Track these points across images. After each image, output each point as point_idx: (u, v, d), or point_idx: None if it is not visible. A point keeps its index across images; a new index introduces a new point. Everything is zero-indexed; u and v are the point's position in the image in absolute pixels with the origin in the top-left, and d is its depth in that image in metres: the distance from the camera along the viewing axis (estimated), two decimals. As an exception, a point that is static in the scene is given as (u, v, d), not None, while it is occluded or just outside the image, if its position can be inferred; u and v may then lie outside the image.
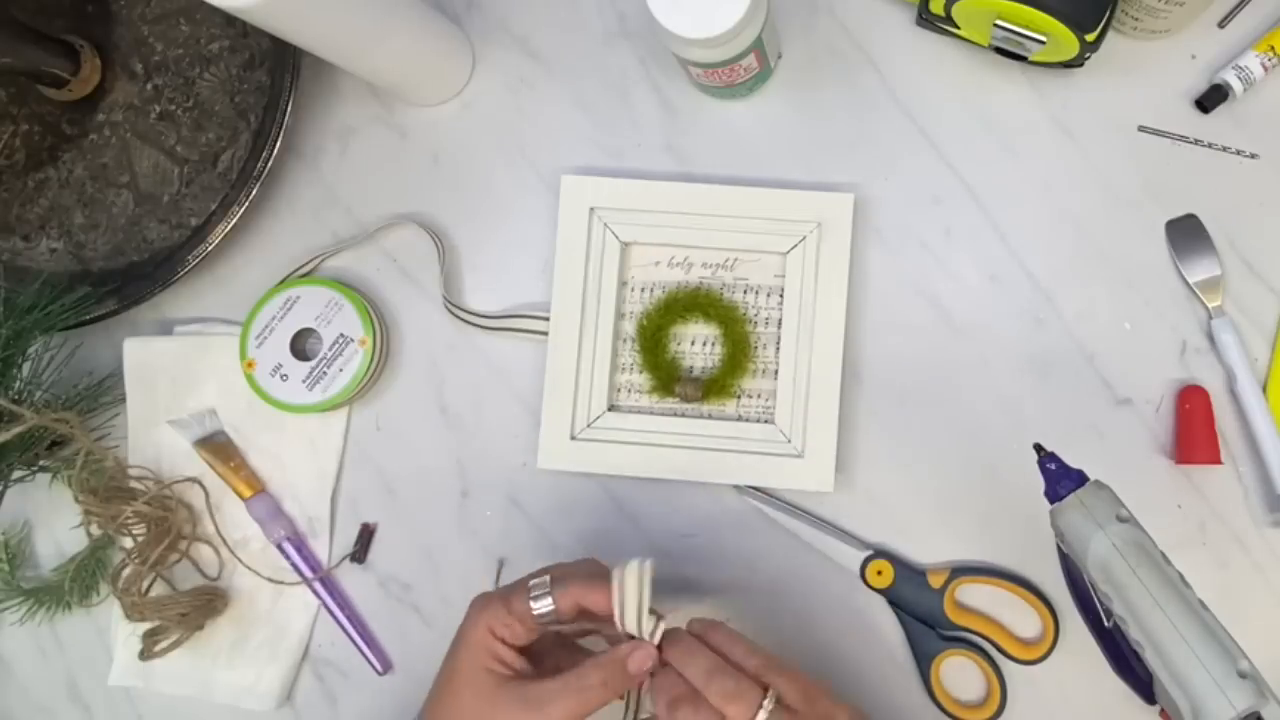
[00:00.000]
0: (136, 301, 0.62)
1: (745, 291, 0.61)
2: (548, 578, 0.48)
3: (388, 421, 0.64)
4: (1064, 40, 0.52)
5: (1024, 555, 0.58)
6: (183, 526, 0.63)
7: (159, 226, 0.66)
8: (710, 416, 0.61)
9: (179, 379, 0.65)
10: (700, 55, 0.54)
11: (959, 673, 0.58)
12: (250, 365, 0.62)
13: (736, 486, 0.60)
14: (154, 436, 0.65)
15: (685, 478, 0.60)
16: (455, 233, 0.64)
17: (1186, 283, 0.58)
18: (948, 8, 0.54)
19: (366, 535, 0.63)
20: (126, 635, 0.64)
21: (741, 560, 0.60)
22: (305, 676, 0.63)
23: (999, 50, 0.56)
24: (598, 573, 0.48)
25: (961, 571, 0.57)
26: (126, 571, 0.61)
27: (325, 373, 0.62)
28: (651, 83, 0.63)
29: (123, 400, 0.65)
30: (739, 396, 0.60)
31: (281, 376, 0.62)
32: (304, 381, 0.62)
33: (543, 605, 0.47)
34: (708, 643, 0.46)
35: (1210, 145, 0.58)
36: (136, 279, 0.63)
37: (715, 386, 0.60)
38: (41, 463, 0.62)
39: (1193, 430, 0.56)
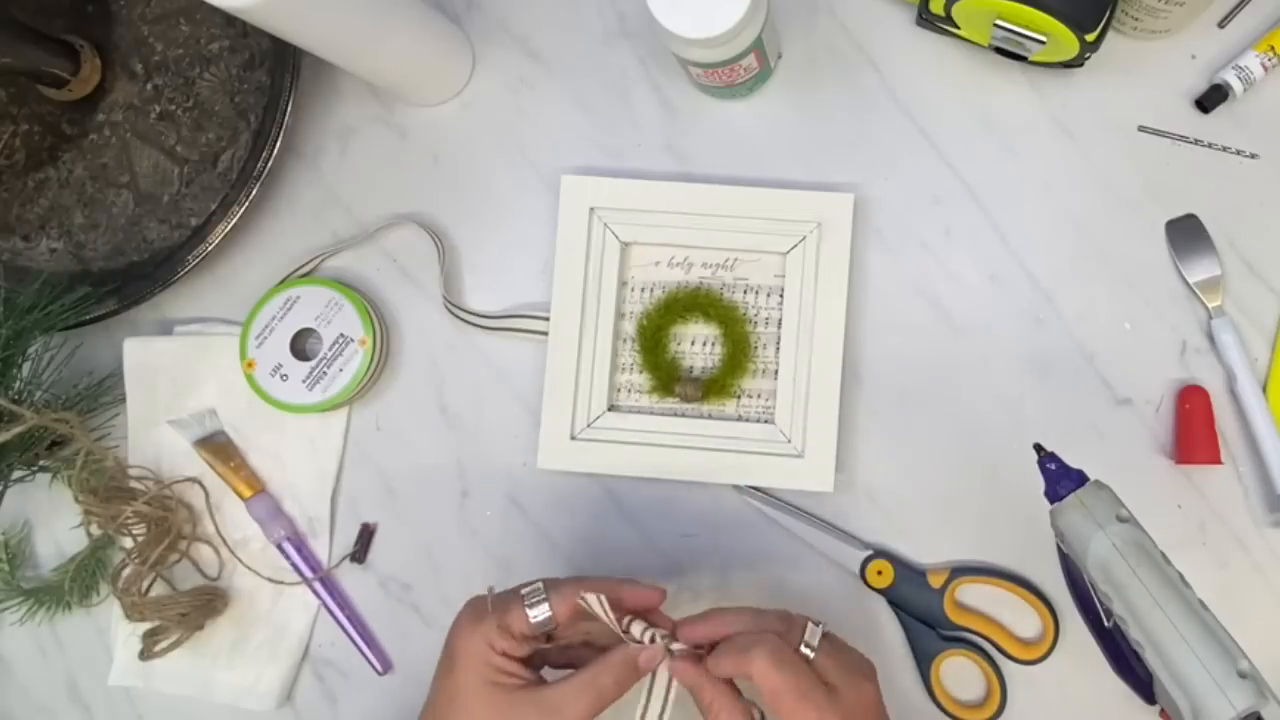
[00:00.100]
0: (136, 301, 0.62)
1: (745, 291, 0.61)
2: (540, 583, 0.48)
3: (388, 421, 0.64)
4: (1064, 40, 0.52)
5: (1024, 555, 0.58)
6: (183, 526, 0.63)
7: (159, 226, 0.66)
8: (710, 416, 0.61)
9: (179, 379, 0.65)
10: (700, 55, 0.54)
11: (959, 673, 0.58)
12: (250, 365, 0.63)
13: (736, 486, 0.60)
14: (154, 436, 0.65)
15: (685, 478, 0.60)
16: (455, 233, 0.64)
17: (1186, 283, 0.58)
18: (948, 8, 0.54)
19: (366, 535, 0.63)
20: (126, 635, 0.64)
21: (741, 560, 0.60)
22: (305, 676, 0.63)
23: (999, 50, 0.56)
24: (593, 580, 0.48)
25: (961, 571, 0.57)
26: (126, 571, 0.61)
27: (325, 373, 0.62)
28: (651, 83, 0.63)
29: (123, 400, 0.65)
30: (739, 396, 0.60)
31: (281, 376, 0.62)
32: (304, 381, 0.62)
33: (539, 612, 0.47)
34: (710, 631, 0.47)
35: (1210, 145, 0.58)
36: (136, 279, 0.63)
37: (715, 386, 0.60)
38: (41, 463, 0.62)
39: (1193, 430, 0.56)
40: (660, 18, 0.51)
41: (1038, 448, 0.47)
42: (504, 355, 0.63)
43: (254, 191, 0.60)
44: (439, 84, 0.63)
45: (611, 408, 0.61)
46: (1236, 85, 0.56)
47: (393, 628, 0.63)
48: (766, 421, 0.60)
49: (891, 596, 0.58)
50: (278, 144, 0.60)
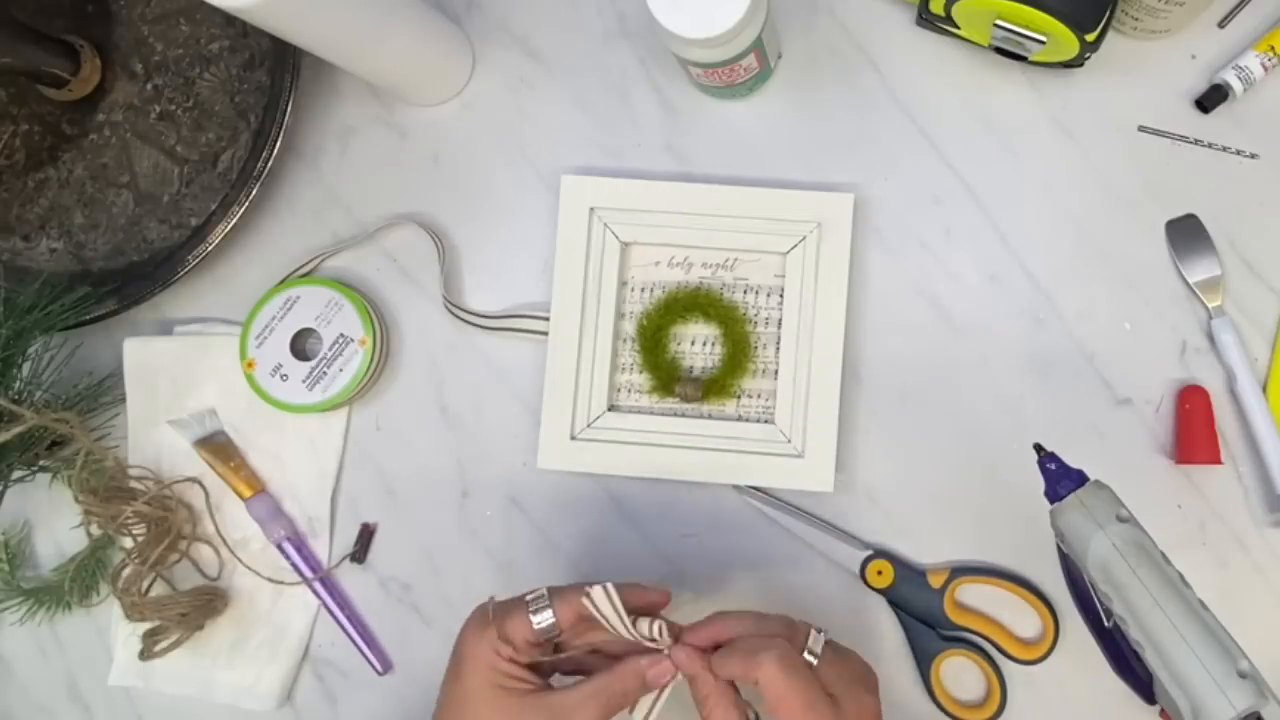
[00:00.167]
0: (136, 301, 0.62)
1: (745, 291, 0.61)
2: (544, 590, 0.47)
3: (388, 421, 0.64)
4: (1064, 40, 0.52)
5: (1024, 555, 0.58)
6: (183, 526, 0.63)
7: (159, 226, 0.66)
8: (710, 416, 0.61)
9: (179, 379, 0.65)
10: (700, 55, 0.54)
11: (959, 673, 0.58)
12: (250, 365, 0.63)
13: (736, 486, 0.60)
14: (154, 436, 0.65)
15: (685, 478, 0.60)
16: (455, 233, 0.64)
17: (1186, 283, 0.58)
18: (948, 8, 0.54)
19: (366, 535, 0.63)
20: (126, 635, 0.64)
21: (741, 560, 0.60)
22: (305, 676, 0.63)
23: (999, 50, 0.56)
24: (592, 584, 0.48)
25: (961, 571, 0.57)
26: (126, 571, 0.61)
27: (325, 373, 0.62)
28: (651, 83, 0.63)
29: (123, 400, 0.65)
30: (739, 396, 0.60)
31: (281, 376, 0.62)
32: (304, 381, 0.62)
33: (543, 618, 0.46)
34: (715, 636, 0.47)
35: (1210, 145, 0.58)
36: (136, 279, 0.63)
37: (715, 386, 0.60)
38: (41, 463, 0.62)
39: (1193, 430, 0.56)
40: (660, 18, 0.51)
41: (1038, 448, 0.47)
42: (504, 355, 0.63)
43: (254, 191, 0.60)
44: (439, 84, 0.63)
45: (611, 408, 0.61)
46: (1236, 85, 0.56)
47: (393, 628, 0.63)
48: (766, 421, 0.60)
49: (891, 596, 0.58)
50: (278, 144, 0.60)
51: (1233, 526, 0.57)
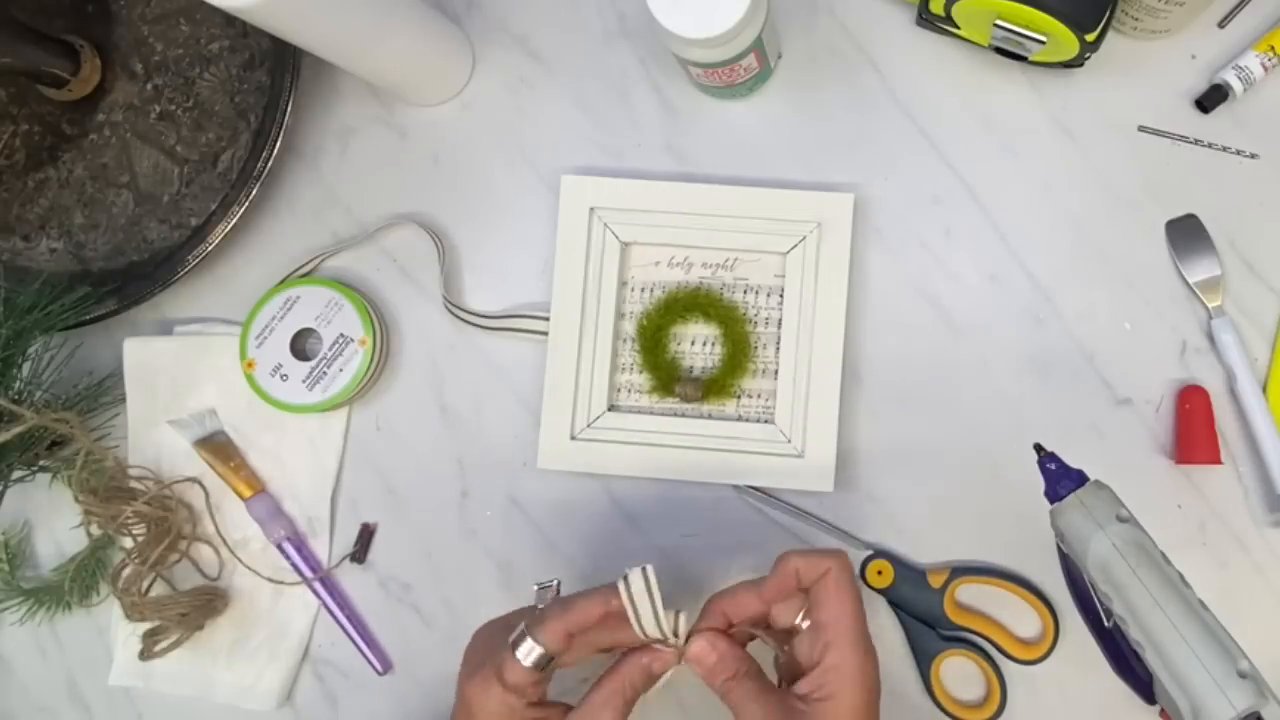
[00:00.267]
0: (136, 301, 0.62)
1: (745, 291, 0.61)
2: (522, 625, 0.47)
3: (388, 421, 0.64)
4: (1064, 40, 0.52)
5: (1024, 555, 0.58)
6: (183, 526, 0.63)
7: (159, 226, 0.66)
8: (710, 416, 0.61)
9: (179, 379, 0.65)
10: (700, 55, 0.54)
11: (959, 673, 0.58)
12: (250, 365, 0.63)
13: (736, 486, 0.60)
14: (154, 436, 0.65)
15: (685, 478, 0.60)
16: (455, 233, 0.64)
17: (1186, 283, 0.58)
18: (948, 8, 0.54)
19: (366, 535, 0.63)
20: (126, 635, 0.64)
21: (742, 560, 0.60)
22: (305, 676, 0.63)
23: (999, 50, 0.56)
24: (574, 596, 0.48)
25: (961, 571, 0.57)
26: (126, 571, 0.61)
27: (325, 373, 0.62)
28: (651, 83, 0.63)
29: (123, 400, 0.65)
30: (739, 396, 0.60)
31: (281, 376, 0.62)
32: (304, 381, 0.62)
33: (528, 649, 0.46)
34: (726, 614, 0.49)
35: (1210, 145, 0.58)
36: (136, 279, 0.63)
37: (715, 386, 0.60)
38: (41, 463, 0.62)
39: (1193, 430, 0.56)
40: (660, 18, 0.51)
41: (1038, 448, 0.47)
42: (504, 355, 0.63)
43: (254, 191, 0.60)
44: (439, 84, 0.63)
45: (611, 408, 0.61)
46: (1236, 85, 0.56)
47: (393, 628, 0.63)
48: (766, 421, 0.60)
49: (891, 596, 0.58)
50: (278, 144, 0.60)
51: (1233, 526, 0.57)
